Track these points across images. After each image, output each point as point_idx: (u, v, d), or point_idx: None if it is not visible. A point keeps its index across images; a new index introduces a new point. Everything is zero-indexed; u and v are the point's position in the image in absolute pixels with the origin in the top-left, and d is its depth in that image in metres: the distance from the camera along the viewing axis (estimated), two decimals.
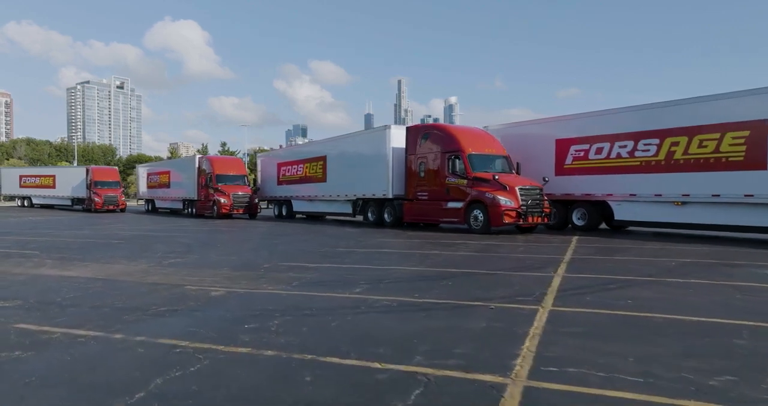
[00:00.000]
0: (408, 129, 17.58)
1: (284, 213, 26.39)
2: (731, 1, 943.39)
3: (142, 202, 41.40)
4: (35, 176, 42.86)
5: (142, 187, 39.19)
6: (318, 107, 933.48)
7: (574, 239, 12.98)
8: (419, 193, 16.94)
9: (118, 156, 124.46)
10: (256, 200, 27.14)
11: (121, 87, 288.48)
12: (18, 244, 12.76)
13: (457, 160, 15.34)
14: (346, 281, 7.06)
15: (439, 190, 16.15)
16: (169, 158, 77.95)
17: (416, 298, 5.83)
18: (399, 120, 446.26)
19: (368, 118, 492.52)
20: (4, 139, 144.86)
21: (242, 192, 26.46)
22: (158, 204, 36.28)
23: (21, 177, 43.74)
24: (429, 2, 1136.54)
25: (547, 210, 14.69)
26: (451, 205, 15.66)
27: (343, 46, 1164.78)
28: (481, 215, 14.52)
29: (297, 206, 25.43)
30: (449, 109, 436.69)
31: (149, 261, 9.35)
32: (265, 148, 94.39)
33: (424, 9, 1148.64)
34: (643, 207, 14.11)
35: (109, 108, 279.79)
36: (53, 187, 40.97)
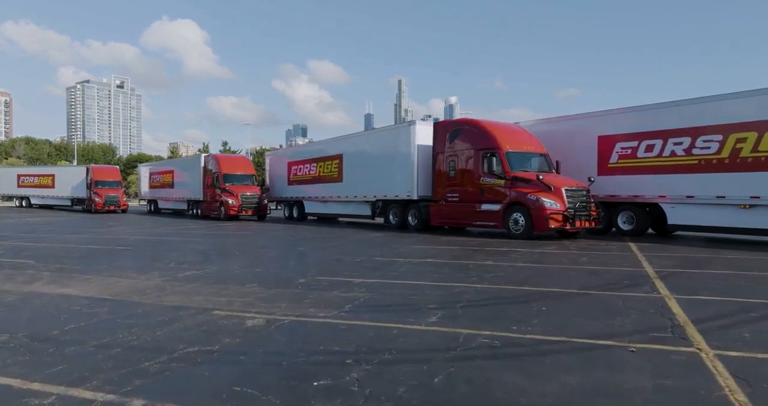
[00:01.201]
0: (436, 125, 16.26)
1: (295, 215, 25.07)
2: (731, 1, 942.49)
3: (144, 202, 40.08)
4: (34, 176, 41.54)
5: (144, 187, 37.88)
6: (317, 107, 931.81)
7: (632, 245, 11.65)
8: (449, 195, 15.61)
9: (118, 155, 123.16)
10: (266, 201, 25.81)
11: (121, 86, 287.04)
12: (12, 251, 11.43)
13: (494, 159, 14.01)
14: (410, 303, 5.74)
15: (471, 192, 14.83)
16: (169, 158, 76.77)
17: (517, 332, 4.52)
18: (399, 120, 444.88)
19: (368, 118, 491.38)
20: (3, 138, 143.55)
21: (251, 192, 25.14)
22: (161, 205, 34.98)
23: (19, 176, 42.41)
24: (428, 2, 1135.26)
25: (594, 213, 13.37)
26: (485, 207, 14.33)
27: (341, 45, 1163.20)
28: (522, 218, 13.20)
29: (309, 208, 24.10)
30: (449, 109, 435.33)
31: (162, 274, 8.03)
32: (266, 147, 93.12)
33: (423, 9, 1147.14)
34: (702, 210, 12.78)
35: (109, 107, 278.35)
36: (52, 186, 39.66)
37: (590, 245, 11.97)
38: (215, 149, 76.00)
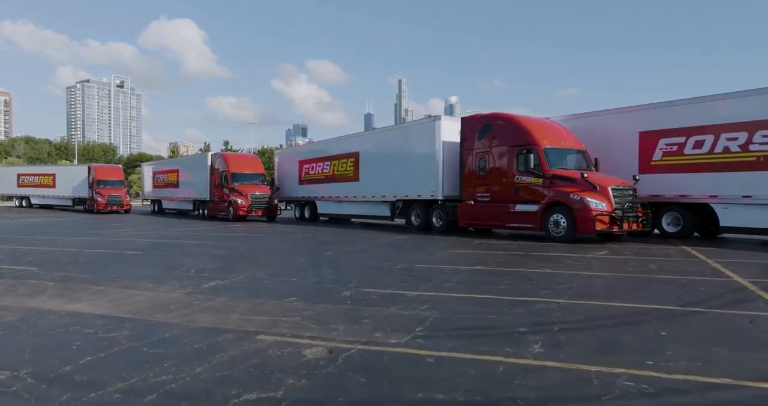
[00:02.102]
0: (465, 120, 15.25)
1: (307, 215, 24.08)
2: (731, 1, 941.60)
3: (147, 202, 39.08)
4: (34, 175, 40.54)
5: (148, 186, 36.88)
6: (316, 107, 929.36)
7: (690, 250, 10.66)
8: (478, 195, 14.62)
9: (118, 155, 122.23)
10: (276, 201, 24.82)
11: (120, 86, 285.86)
12: (12, 255, 10.44)
13: (531, 156, 13.00)
14: (494, 325, 4.76)
15: (504, 191, 13.84)
16: (170, 157, 75.71)
17: (658, 369, 3.53)
18: (399, 120, 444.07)
19: (368, 118, 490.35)
20: (2, 138, 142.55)
21: (261, 192, 24.14)
22: (165, 205, 33.98)
23: (19, 176, 41.39)
24: (427, 2, 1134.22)
25: (641, 214, 12.38)
26: (520, 208, 13.35)
27: (340, 45, 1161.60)
28: (564, 220, 12.21)
29: (322, 208, 23.10)
30: (449, 108, 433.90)
31: (183, 284, 7.04)
32: (267, 147, 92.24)
33: (422, 8, 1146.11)
34: (760, 211, 11.79)
35: (109, 107, 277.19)
36: (53, 186, 38.66)
37: (643, 249, 10.97)
38: (216, 149, 75.02)
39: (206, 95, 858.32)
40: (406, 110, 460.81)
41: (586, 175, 12.04)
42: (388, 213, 18.91)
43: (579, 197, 11.90)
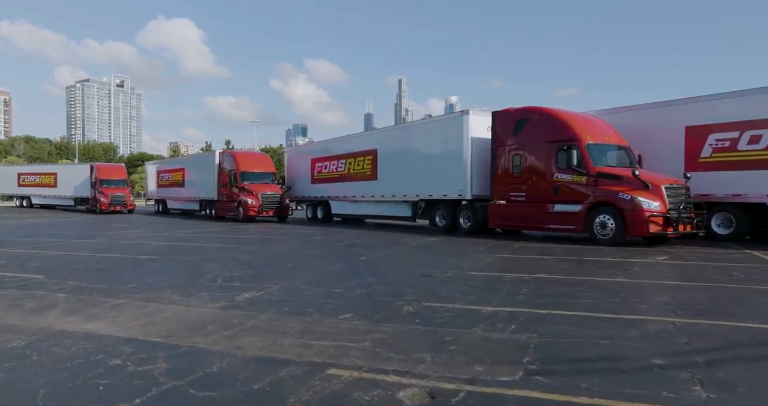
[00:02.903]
0: (497, 114, 14.31)
1: (320, 216, 23.14)
2: (731, 1, 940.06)
3: (151, 202, 38.16)
4: (35, 174, 39.61)
5: (152, 186, 35.97)
6: (315, 107, 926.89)
7: (761, 255, 9.74)
8: (512, 194, 13.69)
9: (119, 155, 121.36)
10: (287, 201, 23.88)
11: (121, 85, 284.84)
12: (16, 261, 9.51)
13: (574, 152, 12.06)
14: (619, 356, 3.83)
15: (542, 190, 12.92)
16: (171, 157, 74.77)
17: None
18: (399, 120, 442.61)
19: (368, 118, 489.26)
20: (2, 137, 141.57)
21: (272, 191, 23.21)
22: (170, 205, 33.04)
23: (19, 175, 40.48)
24: (426, 1, 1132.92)
25: (694, 215, 11.46)
26: (560, 208, 12.42)
27: (339, 45, 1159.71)
28: (612, 221, 11.29)
29: (336, 208, 22.17)
30: (450, 108, 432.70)
31: (214, 296, 6.13)
32: (269, 146, 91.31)
33: (420, 8, 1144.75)
34: None
35: (109, 107, 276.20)
36: (54, 186, 37.73)
37: (705, 253, 10.04)
38: (217, 149, 74.24)
39: (205, 95, 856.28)
40: (407, 110, 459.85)
41: (637, 172, 11.11)
42: (408, 214, 17.99)
43: (629, 197, 10.97)
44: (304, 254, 10.58)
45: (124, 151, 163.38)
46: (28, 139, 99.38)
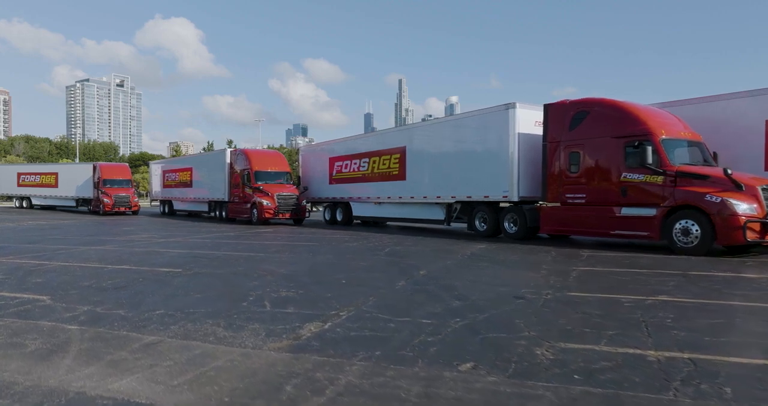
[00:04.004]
0: (550, 107, 12.89)
1: (339, 218, 21.74)
2: (731, 1, 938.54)
3: (156, 203, 36.75)
4: (35, 174, 38.18)
5: (156, 186, 34.55)
6: (313, 106, 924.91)
7: None
8: (569, 196, 12.28)
9: (120, 154, 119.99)
10: (304, 202, 22.45)
11: (120, 85, 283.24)
12: (14, 274, 8.09)
13: (648, 148, 10.61)
14: None
15: (606, 191, 11.51)
16: (173, 157, 73.24)
17: None
18: (400, 120, 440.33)
19: (368, 118, 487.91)
20: (2, 137, 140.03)
21: (288, 192, 21.80)
22: (176, 206, 31.66)
23: (19, 175, 39.05)
24: (424, 1, 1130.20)
25: None
26: (629, 212, 11.02)
27: (337, 45, 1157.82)
28: (696, 227, 9.87)
29: (358, 210, 20.76)
30: (450, 108, 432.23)
31: (269, 328, 4.75)
32: (271, 146, 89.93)
33: (419, 8, 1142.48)
34: None
35: (109, 106, 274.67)
36: (55, 186, 36.33)
37: None
38: (219, 148, 73.03)
39: (203, 94, 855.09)
40: (407, 110, 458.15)
41: (730, 171, 9.69)
42: (441, 216, 16.58)
43: (720, 199, 9.56)
44: (349, 265, 9.15)
45: (124, 151, 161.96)
46: (28, 139, 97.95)
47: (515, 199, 13.49)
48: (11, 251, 11.36)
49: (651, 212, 10.58)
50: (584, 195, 11.94)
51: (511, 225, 13.83)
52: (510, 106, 13.67)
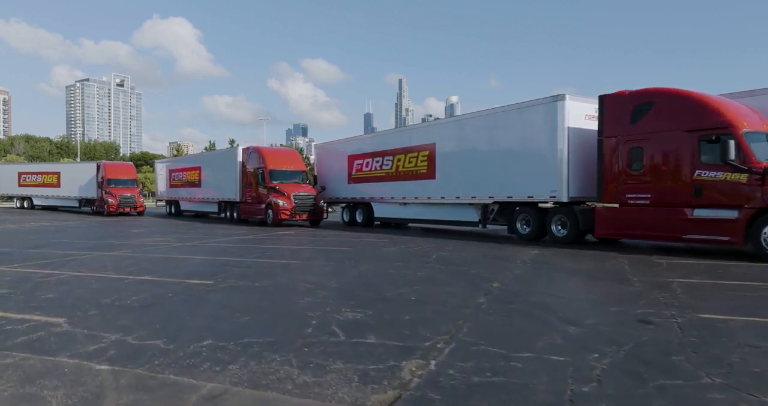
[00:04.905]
0: (606, 99, 11.73)
1: (359, 219, 20.60)
2: (731, 1, 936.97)
3: (161, 203, 35.60)
4: (37, 174, 37.03)
5: (162, 186, 33.41)
6: (312, 106, 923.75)
7: None
8: (631, 196, 11.14)
9: (121, 154, 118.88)
10: (322, 203, 21.29)
11: (121, 85, 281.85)
12: (22, 289, 6.93)
13: (729, 143, 9.45)
14: None
15: (676, 191, 10.38)
16: (175, 156, 72.04)
17: None
18: (400, 120, 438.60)
19: (368, 118, 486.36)
20: (2, 136, 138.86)
21: (305, 192, 20.64)
22: (183, 206, 30.49)
23: (20, 174, 37.91)
24: (422, 1, 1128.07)
25: None
26: (705, 213, 9.88)
27: (335, 45, 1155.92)
28: None
29: (380, 211, 19.62)
30: (450, 108, 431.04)
31: (359, 370, 3.64)
32: (273, 145, 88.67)
33: (418, 8, 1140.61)
34: None
35: (109, 106, 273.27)
36: (57, 185, 35.20)
37: None
38: (220, 148, 71.91)
39: (202, 94, 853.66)
40: (407, 110, 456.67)
41: None
42: (475, 218, 15.44)
43: None
44: (404, 276, 7.99)
45: (124, 150, 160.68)
46: (28, 138, 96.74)
47: (564, 199, 12.35)
48: (16, 257, 10.21)
49: (732, 214, 9.44)
50: (649, 195, 10.80)
51: (560, 228, 12.69)
52: (558, 97, 12.54)
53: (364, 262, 9.43)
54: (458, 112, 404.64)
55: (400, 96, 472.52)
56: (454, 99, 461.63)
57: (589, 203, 12.29)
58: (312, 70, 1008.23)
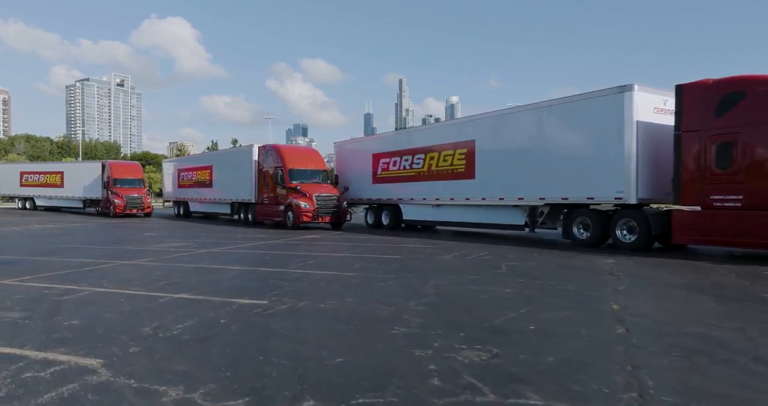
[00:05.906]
0: (686, 89, 10.48)
1: (386, 222, 19.37)
2: (731, 1, 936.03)
3: (169, 203, 34.35)
4: (39, 173, 35.74)
5: (169, 186, 32.15)
6: (311, 106, 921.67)
7: None
8: (717, 197, 9.90)
9: (122, 154, 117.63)
10: (345, 204, 20.02)
11: (121, 85, 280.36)
12: (38, 314, 5.66)
13: None
14: None
15: None
16: (177, 156, 70.69)
17: None
18: (400, 120, 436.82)
19: (368, 118, 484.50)
20: (2, 136, 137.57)
21: (328, 193, 19.35)
22: (193, 207, 29.19)
23: (22, 174, 36.63)
24: (421, 1, 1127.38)
25: None
26: None
27: (334, 45, 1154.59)
28: None
29: (409, 213, 18.38)
30: (451, 108, 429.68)
31: None
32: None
33: (417, 7, 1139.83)
34: None
35: (109, 106, 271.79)
36: (61, 186, 33.92)
37: None
38: (222, 148, 70.81)
39: (201, 94, 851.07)
40: (407, 110, 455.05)
41: None
42: (521, 221, 14.21)
43: None
44: (493, 293, 6.71)
45: (125, 150, 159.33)
46: (29, 138, 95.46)
47: (633, 201, 11.12)
48: (25, 268, 8.93)
49: None
50: (741, 197, 9.56)
51: (627, 233, 11.44)
52: (625, 88, 11.30)
53: (430, 274, 8.16)
54: (458, 112, 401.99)
55: (400, 96, 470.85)
56: (454, 99, 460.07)
57: (663, 206, 11.06)
58: (311, 70, 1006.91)
